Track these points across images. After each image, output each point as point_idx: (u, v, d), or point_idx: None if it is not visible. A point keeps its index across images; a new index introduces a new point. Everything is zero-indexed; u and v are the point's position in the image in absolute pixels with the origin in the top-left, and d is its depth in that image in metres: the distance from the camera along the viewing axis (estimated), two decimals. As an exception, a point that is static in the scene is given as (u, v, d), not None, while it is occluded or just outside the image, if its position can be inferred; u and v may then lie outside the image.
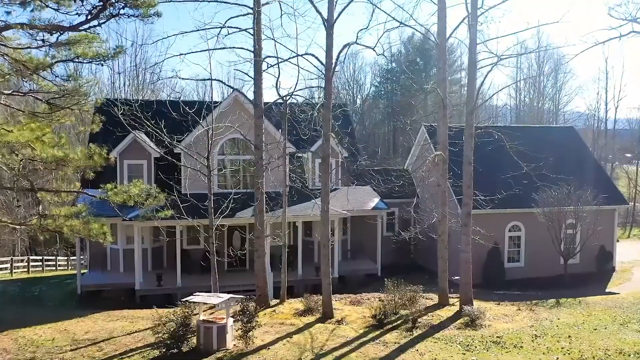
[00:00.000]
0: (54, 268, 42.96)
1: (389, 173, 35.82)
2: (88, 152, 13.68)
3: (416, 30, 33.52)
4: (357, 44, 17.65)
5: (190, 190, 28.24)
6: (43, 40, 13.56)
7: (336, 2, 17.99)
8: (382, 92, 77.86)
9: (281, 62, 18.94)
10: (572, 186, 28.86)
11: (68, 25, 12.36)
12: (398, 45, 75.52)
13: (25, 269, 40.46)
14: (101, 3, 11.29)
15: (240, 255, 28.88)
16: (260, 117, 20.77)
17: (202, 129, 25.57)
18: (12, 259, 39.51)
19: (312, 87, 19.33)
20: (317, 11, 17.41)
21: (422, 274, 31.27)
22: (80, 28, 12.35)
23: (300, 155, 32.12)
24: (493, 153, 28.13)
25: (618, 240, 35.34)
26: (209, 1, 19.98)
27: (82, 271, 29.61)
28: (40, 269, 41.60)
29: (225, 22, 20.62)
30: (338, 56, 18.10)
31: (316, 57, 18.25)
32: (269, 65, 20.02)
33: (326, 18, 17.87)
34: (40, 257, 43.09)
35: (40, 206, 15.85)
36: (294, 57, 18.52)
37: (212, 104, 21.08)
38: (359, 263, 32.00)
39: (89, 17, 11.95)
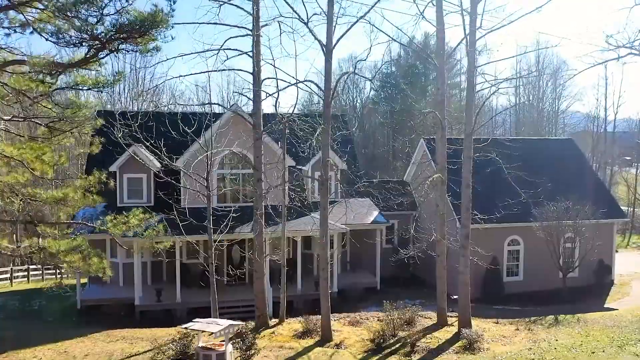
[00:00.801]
0: (53, 276, 43.02)
1: (388, 185, 35.91)
2: (87, 184, 13.70)
3: (417, 49, 33.41)
4: (356, 74, 17.70)
5: (190, 204, 28.37)
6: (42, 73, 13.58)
7: (334, 28, 18.01)
8: (382, 96, 77.85)
9: (281, 90, 18.95)
10: (571, 201, 28.94)
11: (67, 63, 12.39)
12: (398, 49, 75.58)
13: (25, 278, 40.58)
14: (99, 44, 11.31)
15: (239, 271, 29.03)
16: (259, 140, 20.81)
17: (201, 144, 25.75)
18: (12, 269, 39.55)
19: (311, 111, 19.30)
20: (316, 38, 17.45)
21: (421, 287, 31.37)
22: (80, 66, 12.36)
23: (300, 168, 32.14)
24: (491, 164, 28.15)
25: (617, 251, 35.44)
26: (208, 24, 19.96)
27: (82, 280, 29.58)
28: (41, 277, 41.71)
29: (223, 44, 20.72)
30: (336, 84, 18.13)
31: (315, 84, 18.28)
32: (267, 95, 20.05)
33: (325, 44, 17.90)
34: (40, 265, 43.14)
35: (40, 239, 15.87)
36: (293, 84, 18.54)
37: (212, 123, 21.02)
38: (358, 276, 32.05)
39: (88, 55, 11.97)
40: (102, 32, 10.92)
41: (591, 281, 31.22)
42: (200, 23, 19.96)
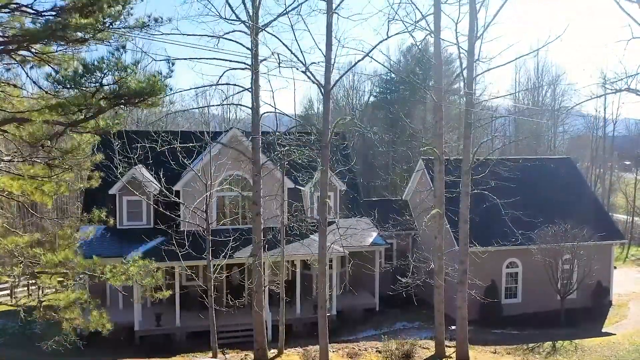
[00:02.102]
0: (53, 290, 43.20)
1: (388, 204, 36.05)
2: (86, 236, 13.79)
3: (415, 82, 33.48)
4: (356, 126, 17.83)
5: (190, 227, 28.49)
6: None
7: (333, 68, 18.08)
8: (382, 103, 77.87)
9: (281, 135, 19.03)
10: (569, 222, 29.08)
11: (67, 123, 12.46)
12: (397, 56, 75.70)
13: (26, 290, 40.79)
14: (97, 110, 11.39)
15: (239, 292, 29.16)
16: (258, 174, 20.89)
17: (202, 163, 25.94)
18: (12, 283, 39.68)
19: (310, 154, 19.35)
20: (313, 81, 17.49)
21: (421, 308, 31.39)
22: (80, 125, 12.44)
23: (299, 188, 32.23)
24: (489, 185, 28.32)
25: (615, 267, 35.56)
26: (207, 59, 20.03)
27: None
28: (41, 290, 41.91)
29: (222, 75, 20.83)
30: (334, 129, 18.21)
31: (315, 125, 18.40)
32: (270, 131, 20.12)
33: (322, 84, 17.99)
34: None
35: (41, 290, 15.95)
36: (292, 127, 18.64)
37: (211, 152, 21.08)
38: (357, 297, 32.15)
39: (88, 116, 12.05)
40: (101, 100, 10.99)
41: (589, 303, 31.34)
42: (199, 59, 20.03)
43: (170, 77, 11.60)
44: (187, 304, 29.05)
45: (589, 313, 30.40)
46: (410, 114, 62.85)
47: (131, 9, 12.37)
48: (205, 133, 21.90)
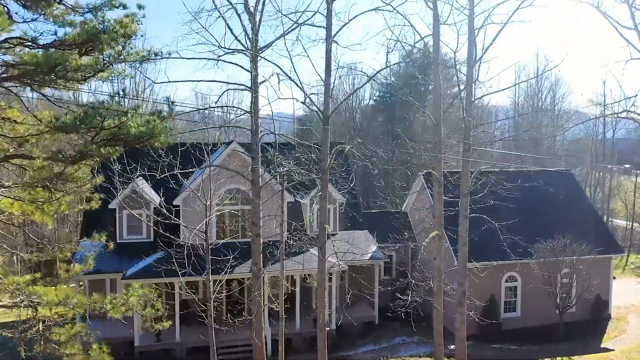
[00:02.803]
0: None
1: (387, 216, 36.13)
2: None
3: (415, 104, 33.49)
4: (353, 154, 17.90)
5: (190, 240, 28.53)
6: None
7: (332, 93, 18.12)
8: (382, 107, 77.82)
9: (281, 158, 19.10)
10: (568, 237, 29.17)
11: (67, 173, 12.59)
12: (397, 59, 75.49)
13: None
14: (97, 157, 11.48)
15: (238, 306, 29.30)
16: (257, 196, 20.93)
17: (203, 178, 25.95)
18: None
19: (310, 175, 19.38)
20: (313, 109, 17.56)
21: (420, 320, 31.47)
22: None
23: (298, 201, 32.28)
24: (489, 197, 28.35)
25: (614, 277, 35.61)
26: (208, 81, 20.05)
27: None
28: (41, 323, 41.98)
29: (220, 96, 20.88)
30: (332, 154, 18.26)
31: (316, 147, 18.46)
32: (267, 149, 20.18)
33: (322, 110, 18.04)
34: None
35: (41, 324, 16.08)
36: (292, 154, 18.72)
37: (210, 186, 21.03)
38: (356, 310, 32.16)
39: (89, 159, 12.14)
40: (101, 147, 11.05)
41: (588, 316, 31.43)
42: (199, 81, 20.12)
43: (170, 116, 11.63)
44: (187, 318, 29.11)
45: (588, 327, 30.48)
46: (410, 117, 63.00)
47: (131, 48, 12.42)
48: (206, 154, 21.89)
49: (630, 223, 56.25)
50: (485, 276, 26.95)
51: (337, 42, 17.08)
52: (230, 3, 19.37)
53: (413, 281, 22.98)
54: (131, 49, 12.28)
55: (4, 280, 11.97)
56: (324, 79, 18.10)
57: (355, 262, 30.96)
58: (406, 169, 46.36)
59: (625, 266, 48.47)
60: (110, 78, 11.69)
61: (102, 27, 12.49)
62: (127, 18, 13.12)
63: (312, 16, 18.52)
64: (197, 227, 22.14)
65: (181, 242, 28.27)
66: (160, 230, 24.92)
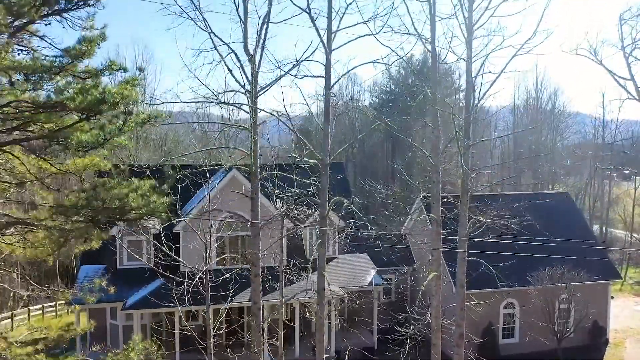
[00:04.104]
0: (54, 314, 43.61)
1: (387, 238, 36.21)
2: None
3: (415, 147, 33.59)
4: (350, 206, 18.07)
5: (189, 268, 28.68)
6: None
7: (331, 140, 18.27)
8: (382, 114, 77.85)
9: (282, 212, 19.25)
10: (566, 264, 29.36)
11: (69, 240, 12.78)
12: (397, 67, 75.62)
13: (26, 317, 41.21)
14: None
15: (238, 334, 29.42)
16: (257, 236, 21.07)
17: (204, 201, 26.13)
18: (12, 314, 40.06)
19: (309, 220, 19.50)
20: (314, 157, 17.72)
21: (419, 345, 31.67)
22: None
23: (297, 224, 32.40)
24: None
25: (613, 297, 35.77)
26: (213, 123, 20.18)
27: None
28: (41, 315, 42.47)
29: (219, 134, 20.98)
30: (332, 204, 18.42)
31: (315, 194, 18.61)
32: (269, 190, 20.33)
33: (321, 159, 18.18)
34: (41, 306, 43.85)
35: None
36: (296, 197, 18.96)
37: (210, 224, 21.22)
38: (355, 335, 32.23)
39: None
40: (102, 228, 11.22)
41: (586, 341, 31.60)
42: (199, 122, 20.10)
43: (170, 194, 11.77)
44: (187, 342, 29.27)
45: (585, 353, 30.65)
46: (410, 126, 62.98)
47: (132, 122, 12.56)
48: (207, 189, 21.99)
49: (629, 236, 56.31)
50: (483, 303, 27.16)
51: (334, 94, 17.15)
52: (230, 47, 19.51)
53: (413, 314, 23.17)
54: (131, 120, 12.39)
55: (8, 353, 12.11)
56: (322, 126, 18.23)
57: (354, 289, 31.13)
58: (406, 184, 46.31)
59: (624, 281, 48.53)
60: (110, 155, 11.77)
61: (102, 97, 12.64)
62: (127, 85, 13.28)
63: (310, 55, 18.74)
64: (197, 267, 22.37)
65: (181, 270, 28.72)
66: (161, 257, 25.13)
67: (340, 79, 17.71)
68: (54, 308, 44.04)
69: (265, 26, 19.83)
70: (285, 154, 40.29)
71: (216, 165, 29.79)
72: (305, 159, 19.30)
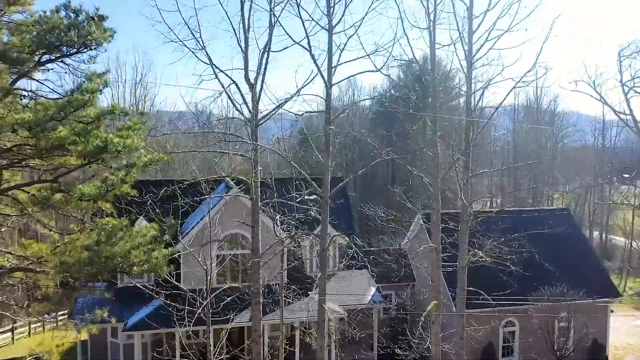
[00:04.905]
0: (54, 326, 43.76)
1: (387, 254, 36.25)
2: None
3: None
4: (349, 243, 18.16)
5: (189, 285, 28.71)
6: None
7: (330, 173, 18.33)
8: (381, 119, 77.81)
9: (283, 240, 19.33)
10: (566, 283, 29.48)
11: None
12: (397, 71, 75.70)
13: (27, 332, 41.31)
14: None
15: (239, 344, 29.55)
16: (257, 263, 21.15)
17: (205, 220, 26.11)
18: (13, 327, 40.20)
19: (309, 237, 19.62)
20: (314, 192, 17.78)
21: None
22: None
23: (298, 242, 32.47)
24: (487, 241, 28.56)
25: (612, 311, 35.77)
26: (211, 151, 20.33)
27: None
28: (42, 329, 42.57)
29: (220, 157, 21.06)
30: (331, 240, 18.49)
31: (315, 236, 18.68)
32: (272, 212, 20.42)
33: (322, 195, 18.25)
34: (42, 320, 43.88)
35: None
36: (297, 230, 19.08)
37: (210, 250, 21.31)
38: (356, 354, 32.45)
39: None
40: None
41: (585, 358, 31.70)
42: (199, 150, 20.18)
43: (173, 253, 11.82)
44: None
45: (585, 371, 30.79)
46: (409, 132, 62.91)
47: (134, 173, 12.61)
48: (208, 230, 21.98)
49: (629, 246, 56.31)
50: (483, 322, 27.29)
51: (333, 128, 17.23)
52: (231, 78, 19.59)
53: (413, 339, 23.27)
54: (133, 172, 12.46)
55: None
56: (322, 159, 18.29)
57: (354, 306, 31.23)
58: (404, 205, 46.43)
59: (624, 292, 48.61)
60: (112, 209, 11.85)
61: (103, 144, 12.71)
62: (129, 131, 13.34)
63: (309, 81, 18.81)
64: (197, 291, 22.44)
65: (181, 289, 28.79)
66: (161, 282, 25.17)
67: (339, 114, 17.74)
68: (55, 320, 44.22)
69: (266, 55, 19.95)
70: (286, 168, 40.27)
71: (217, 178, 30.05)
72: (305, 178, 19.40)
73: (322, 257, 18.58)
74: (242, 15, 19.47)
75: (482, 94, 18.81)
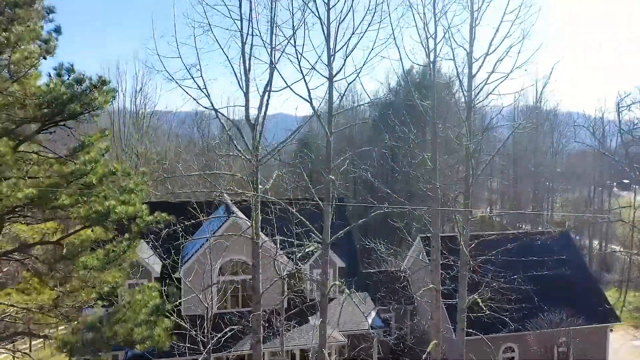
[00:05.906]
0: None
1: (386, 275, 36.38)
2: None
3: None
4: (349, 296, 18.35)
5: (189, 312, 28.78)
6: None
7: (331, 217, 18.45)
8: (382, 127, 77.61)
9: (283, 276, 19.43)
10: (565, 309, 29.64)
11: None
12: (397, 79, 75.56)
13: (27, 348, 41.46)
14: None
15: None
16: (258, 302, 21.27)
17: (205, 246, 26.19)
18: (14, 344, 40.33)
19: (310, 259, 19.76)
20: (316, 240, 17.95)
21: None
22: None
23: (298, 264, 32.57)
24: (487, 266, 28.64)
25: (611, 330, 35.85)
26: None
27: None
28: (42, 346, 42.88)
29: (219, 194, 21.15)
30: (330, 288, 18.62)
31: (318, 241, 18.85)
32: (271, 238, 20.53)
33: (322, 240, 18.37)
34: (43, 335, 44.06)
35: None
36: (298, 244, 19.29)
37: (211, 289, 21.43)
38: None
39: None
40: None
41: (585, 382, 31.87)
42: (200, 189, 20.34)
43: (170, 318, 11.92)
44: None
45: (584, 396, 30.90)
46: (409, 135, 62.84)
47: (136, 244, 12.70)
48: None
49: (629, 259, 56.25)
50: (482, 348, 27.37)
51: (333, 178, 17.35)
52: (233, 123, 19.70)
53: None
54: (135, 243, 12.56)
55: None
56: (323, 206, 18.40)
57: (354, 332, 31.38)
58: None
59: (623, 307, 48.67)
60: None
61: (106, 211, 12.80)
62: (131, 195, 13.45)
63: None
64: (198, 325, 22.59)
65: (183, 313, 28.94)
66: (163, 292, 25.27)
67: (339, 162, 17.86)
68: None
69: (267, 95, 20.05)
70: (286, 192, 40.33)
71: (216, 199, 30.17)
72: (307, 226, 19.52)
73: (322, 302, 18.70)
74: (243, 57, 19.60)
75: (481, 138, 18.89)
